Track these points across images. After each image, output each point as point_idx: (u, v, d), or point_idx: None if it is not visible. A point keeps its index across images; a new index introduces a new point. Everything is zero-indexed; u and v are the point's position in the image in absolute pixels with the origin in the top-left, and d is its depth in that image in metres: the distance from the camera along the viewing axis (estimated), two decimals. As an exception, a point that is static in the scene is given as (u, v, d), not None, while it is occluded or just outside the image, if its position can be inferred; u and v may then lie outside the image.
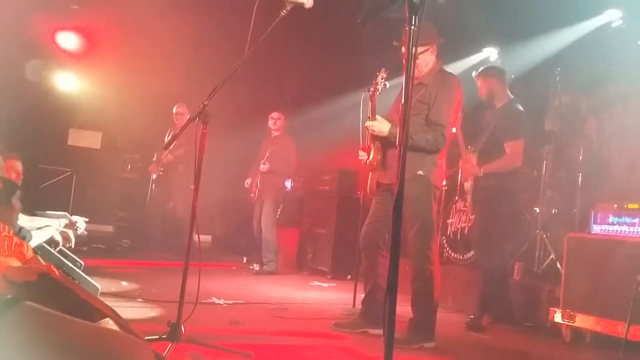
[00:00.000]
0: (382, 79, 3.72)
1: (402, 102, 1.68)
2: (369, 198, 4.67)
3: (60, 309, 1.30)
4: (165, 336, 2.63)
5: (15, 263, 1.88)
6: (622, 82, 5.41)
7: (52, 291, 1.62)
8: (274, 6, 2.91)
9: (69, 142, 8.65)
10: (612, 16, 5.57)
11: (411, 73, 1.53)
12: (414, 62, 1.57)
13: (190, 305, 2.83)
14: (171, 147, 3.03)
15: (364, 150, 3.86)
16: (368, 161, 3.77)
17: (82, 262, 4.27)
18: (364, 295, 3.80)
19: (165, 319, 3.06)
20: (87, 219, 5.21)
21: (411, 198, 3.44)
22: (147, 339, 1.46)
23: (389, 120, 3.68)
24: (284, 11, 2.87)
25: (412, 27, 1.49)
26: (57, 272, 1.73)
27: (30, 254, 2.19)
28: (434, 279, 3.49)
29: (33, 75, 7.69)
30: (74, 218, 5.34)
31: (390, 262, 1.50)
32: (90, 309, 1.53)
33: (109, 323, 1.33)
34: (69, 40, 7.98)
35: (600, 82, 5.60)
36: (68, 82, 8.45)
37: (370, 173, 3.83)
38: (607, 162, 5.39)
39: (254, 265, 6.66)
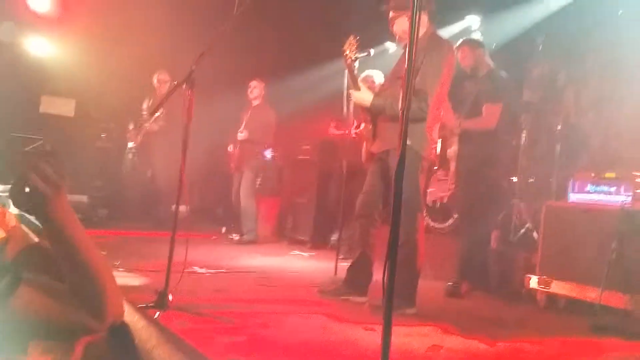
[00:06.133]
0: (350, 45, 3.64)
1: (402, 68, 1.66)
2: (352, 168, 4.70)
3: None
4: (152, 304, 2.63)
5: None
6: (601, 52, 5.46)
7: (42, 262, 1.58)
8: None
9: (41, 110, 8.40)
10: (593, -15, 5.58)
11: (415, 39, 1.50)
12: (417, 27, 1.54)
13: (174, 274, 2.83)
14: (157, 114, 2.96)
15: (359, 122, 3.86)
16: (359, 131, 3.78)
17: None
18: (350, 264, 3.84)
19: (149, 288, 3.06)
20: None
21: (399, 168, 3.46)
22: (138, 307, 1.45)
23: (372, 90, 3.67)
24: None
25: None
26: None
27: (13, 222, 2.14)
28: (418, 248, 3.53)
29: (4, 37, 7.38)
30: None
31: (390, 231, 1.50)
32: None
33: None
34: (40, 2, 7.66)
35: (579, 53, 5.65)
36: (40, 47, 8.15)
37: (364, 143, 3.84)
38: (585, 132, 5.48)
39: (234, 234, 6.66)
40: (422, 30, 3.61)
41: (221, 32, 2.73)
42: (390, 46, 7.26)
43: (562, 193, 4.48)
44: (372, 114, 3.71)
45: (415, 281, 3.57)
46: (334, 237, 6.09)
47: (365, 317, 3.26)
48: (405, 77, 1.60)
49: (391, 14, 3.65)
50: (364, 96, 3.61)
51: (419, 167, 3.56)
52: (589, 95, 5.55)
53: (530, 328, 3.48)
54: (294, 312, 3.23)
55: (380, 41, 6.88)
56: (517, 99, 5.43)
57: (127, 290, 3.33)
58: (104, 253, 4.14)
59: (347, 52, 3.60)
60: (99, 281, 1.23)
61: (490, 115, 4.41)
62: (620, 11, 5.31)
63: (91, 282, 1.22)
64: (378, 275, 3.78)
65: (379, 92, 3.73)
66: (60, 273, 1.29)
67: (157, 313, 2.58)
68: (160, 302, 2.63)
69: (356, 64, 3.76)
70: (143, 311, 1.39)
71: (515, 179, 5.23)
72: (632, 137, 4.98)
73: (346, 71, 3.92)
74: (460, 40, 4.67)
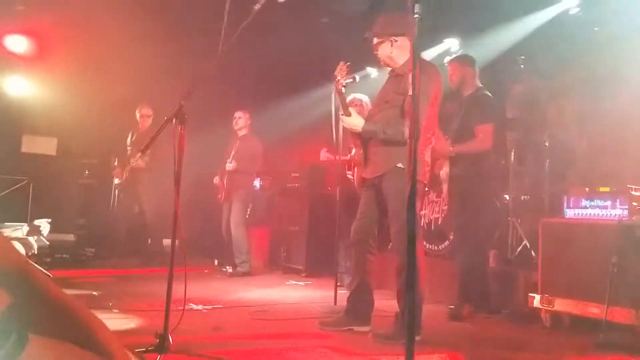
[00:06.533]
0: (341, 71, 3.64)
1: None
2: (345, 193, 4.64)
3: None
4: (152, 348, 2.51)
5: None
6: (580, 67, 5.53)
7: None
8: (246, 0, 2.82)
9: (23, 150, 8.29)
10: (569, 4, 5.68)
11: (417, 63, 1.47)
12: (418, 52, 1.51)
13: (171, 312, 2.72)
14: (148, 150, 2.89)
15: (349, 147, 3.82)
16: (350, 156, 3.74)
17: (50, 274, 4.09)
18: (349, 292, 3.76)
19: (146, 329, 2.94)
20: (49, 220, 4.99)
21: (393, 191, 3.42)
22: (137, 352, 1.36)
23: (362, 113, 3.64)
24: (258, 5, 2.79)
25: (416, 16, 1.44)
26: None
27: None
28: (419, 273, 3.47)
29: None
30: (37, 222, 5.10)
31: (407, 262, 1.44)
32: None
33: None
34: (17, 43, 7.61)
35: (559, 69, 5.72)
36: (19, 87, 8.07)
37: (356, 168, 3.80)
38: (571, 147, 5.51)
39: (227, 267, 6.52)
40: (406, 56, 3.62)
41: (207, 70, 2.69)
42: (372, 71, 7.34)
43: (556, 209, 4.47)
44: (363, 139, 3.68)
45: (419, 307, 3.50)
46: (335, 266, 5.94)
47: (371, 347, 3.17)
48: (410, 103, 1.55)
49: (375, 40, 3.66)
50: (356, 121, 3.58)
51: None
52: (571, 111, 5.61)
53: (537, 350, 3.41)
54: (295, 347, 3.13)
55: (362, 66, 6.93)
56: (503, 118, 5.46)
57: (123, 333, 3.21)
58: (95, 294, 3.99)
59: (338, 77, 3.58)
60: (98, 335, 1.16)
61: (484, 136, 4.40)
62: (596, 28, 5.41)
63: (90, 338, 1.15)
64: (379, 302, 3.73)
65: (368, 117, 3.71)
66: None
67: (158, 357, 2.47)
68: (161, 345, 2.52)
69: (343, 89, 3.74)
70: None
71: (507, 197, 5.21)
72: (617, 150, 5.01)
73: (334, 96, 3.90)
74: (453, 56, 4.71)
